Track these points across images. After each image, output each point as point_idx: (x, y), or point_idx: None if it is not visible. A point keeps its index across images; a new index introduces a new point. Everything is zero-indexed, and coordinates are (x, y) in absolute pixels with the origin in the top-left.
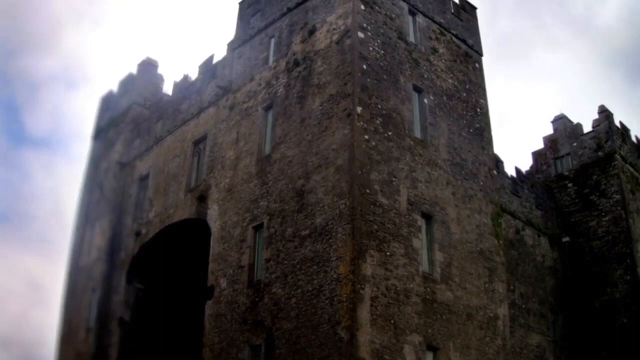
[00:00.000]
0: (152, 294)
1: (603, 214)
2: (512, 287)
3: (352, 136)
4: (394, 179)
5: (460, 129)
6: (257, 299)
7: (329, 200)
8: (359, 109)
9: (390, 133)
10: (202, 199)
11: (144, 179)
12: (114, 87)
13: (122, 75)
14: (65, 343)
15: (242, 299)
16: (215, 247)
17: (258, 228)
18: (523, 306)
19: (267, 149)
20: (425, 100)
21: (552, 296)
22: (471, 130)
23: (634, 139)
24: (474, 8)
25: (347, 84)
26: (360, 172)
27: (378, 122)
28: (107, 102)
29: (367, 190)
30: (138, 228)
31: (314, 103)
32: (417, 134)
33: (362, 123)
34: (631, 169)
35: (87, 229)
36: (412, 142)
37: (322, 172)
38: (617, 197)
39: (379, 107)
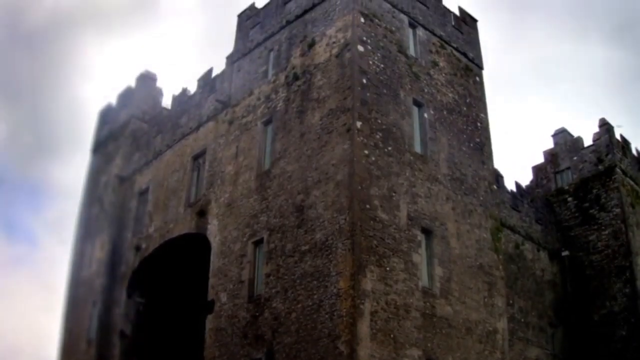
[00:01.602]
0: (153, 307)
1: (603, 227)
2: (511, 301)
3: (352, 151)
4: (393, 194)
5: (461, 143)
6: (257, 314)
7: (329, 216)
8: (358, 124)
9: (390, 148)
10: (202, 213)
11: (143, 193)
12: (113, 100)
13: (120, 88)
14: (67, 354)
15: (242, 314)
16: (215, 262)
17: (258, 243)
18: (522, 320)
19: (267, 163)
20: (426, 115)
21: (551, 310)
22: (471, 145)
23: (634, 151)
24: (474, 20)
25: (347, 98)
26: (360, 188)
27: (378, 137)
28: (106, 115)
29: (367, 206)
30: (138, 242)
31: (314, 118)
32: (417, 148)
33: (361, 138)
34: (631, 182)
35: (87, 242)
36: (412, 157)
37: (322, 187)
38: (617, 210)
39: (379, 121)
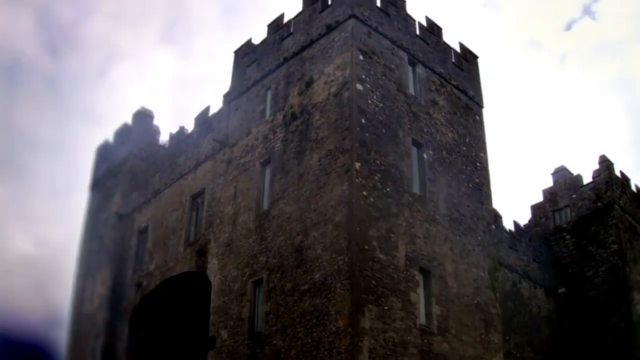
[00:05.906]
0: (155, 342)
1: (600, 264)
2: (507, 337)
3: (351, 193)
4: (392, 235)
5: (460, 183)
6: (257, 350)
7: (328, 257)
8: (357, 165)
9: (389, 189)
10: (202, 253)
11: (143, 231)
12: (110, 137)
13: (117, 124)
14: None
15: (243, 350)
16: (215, 300)
17: (258, 283)
18: (518, 355)
19: (266, 204)
20: (425, 155)
21: (547, 345)
22: (470, 185)
23: (633, 188)
24: (475, 57)
25: (346, 139)
26: (358, 229)
27: (377, 178)
28: (104, 152)
29: (366, 247)
30: (139, 279)
31: (312, 159)
32: (416, 189)
33: (360, 179)
34: (630, 219)
35: (88, 278)
36: (410, 198)
37: (321, 228)
38: (615, 247)
39: (378, 162)
